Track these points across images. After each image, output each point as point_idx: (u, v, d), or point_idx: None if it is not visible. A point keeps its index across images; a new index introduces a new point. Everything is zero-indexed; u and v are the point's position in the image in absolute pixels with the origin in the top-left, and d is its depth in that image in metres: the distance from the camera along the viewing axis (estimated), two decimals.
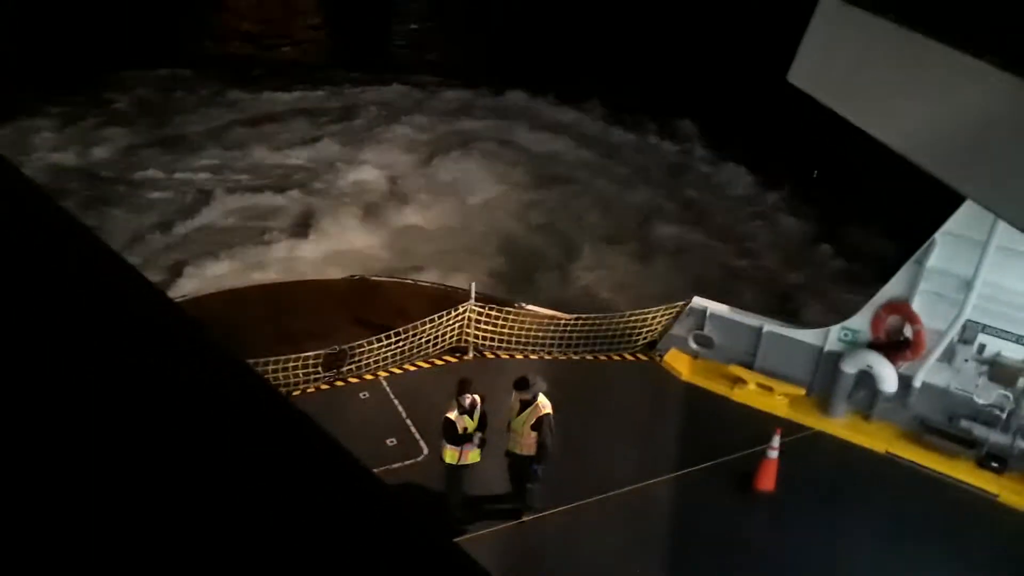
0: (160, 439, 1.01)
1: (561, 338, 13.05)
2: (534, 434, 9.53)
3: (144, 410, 1.05)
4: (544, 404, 9.54)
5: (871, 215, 22.19)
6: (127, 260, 1.39)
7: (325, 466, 1.03)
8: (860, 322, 11.89)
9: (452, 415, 9.41)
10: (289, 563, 0.89)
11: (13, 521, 0.90)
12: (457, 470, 9.72)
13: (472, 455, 9.62)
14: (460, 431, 9.43)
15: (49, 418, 1.02)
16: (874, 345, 11.75)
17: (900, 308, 11.55)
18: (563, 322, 13.09)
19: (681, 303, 13.13)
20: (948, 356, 11.42)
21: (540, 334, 13.05)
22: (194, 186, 23.40)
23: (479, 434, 9.51)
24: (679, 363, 12.92)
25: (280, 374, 11.54)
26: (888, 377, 11.51)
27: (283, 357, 11.50)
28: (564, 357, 13.03)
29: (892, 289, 11.60)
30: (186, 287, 17.24)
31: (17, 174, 1.55)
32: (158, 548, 0.90)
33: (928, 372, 11.54)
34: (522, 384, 9.55)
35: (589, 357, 13.07)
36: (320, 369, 11.92)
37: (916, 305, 11.42)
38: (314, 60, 33.25)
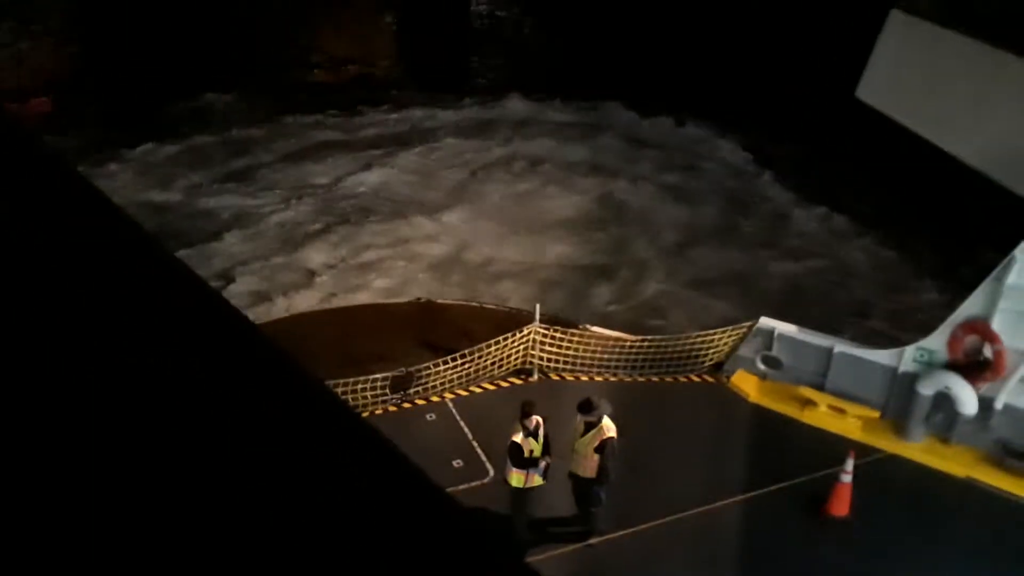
0: (240, 459, 1.07)
1: (627, 360, 12.97)
2: (597, 456, 9.49)
3: (223, 431, 1.11)
4: (608, 427, 9.49)
5: (947, 231, 21.61)
6: (206, 282, 1.47)
7: (399, 485, 1.06)
8: (936, 342, 11.52)
9: (518, 438, 9.43)
10: (353, 561, 0.93)
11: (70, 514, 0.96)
12: (523, 493, 9.72)
13: (537, 479, 9.62)
14: (527, 454, 9.44)
15: (101, 417, 1.08)
16: (952, 366, 11.37)
17: (979, 327, 11.16)
18: (628, 343, 13.01)
19: (748, 323, 12.93)
20: None
21: (605, 356, 13.00)
22: (269, 216, 23.97)
23: (546, 460, 9.52)
24: (746, 384, 12.71)
25: (348, 396, 11.73)
26: (968, 399, 11.11)
27: (351, 379, 11.69)
28: (630, 379, 12.94)
29: (970, 307, 11.23)
30: (267, 312, 17.68)
31: (93, 189, 1.63)
32: (241, 557, 0.94)
33: (1010, 393, 11.10)
34: (586, 407, 9.52)
35: (655, 379, 12.96)
36: (387, 391, 12.08)
37: (996, 324, 11.03)
38: (387, 81, 33.64)
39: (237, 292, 19.71)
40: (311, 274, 20.88)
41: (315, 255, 21.91)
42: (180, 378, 1.20)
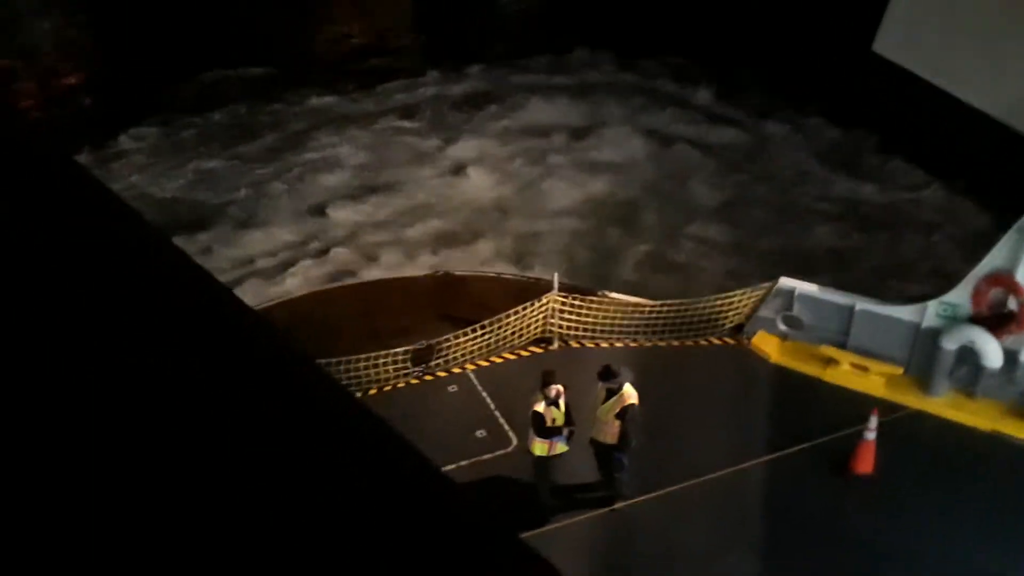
0: (228, 436, 1.08)
1: (646, 325, 12.95)
2: (618, 423, 9.52)
3: (214, 409, 1.12)
4: (630, 394, 9.52)
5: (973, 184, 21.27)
6: (203, 266, 1.48)
7: (390, 463, 1.08)
8: (960, 296, 11.41)
9: (540, 407, 9.49)
10: (350, 554, 0.94)
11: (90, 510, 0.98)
12: (547, 460, 9.80)
13: (560, 446, 9.68)
14: (549, 423, 9.50)
15: (109, 416, 1.10)
16: (976, 319, 11.27)
17: (1003, 280, 11.03)
18: (647, 308, 12.99)
19: (768, 284, 12.85)
20: None
21: (625, 321, 12.99)
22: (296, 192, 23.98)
23: (569, 428, 9.58)
24: (768, 345, 12.66)
25: (370, 371, 11.83)
26: (992, 352, 11.02)
27: (372, 354, 11.78)
28: (650, 344, 12.94)
29: (993, 260, 11.09)
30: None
31: (98, 184, 1.65)
32: (219, 540, 0.96)
33: None
34: (607, 374, 9.54)
35: (675, 343, 12.94)
36: (409, 364, 12.16)
37: (1020, 276, 10.89)
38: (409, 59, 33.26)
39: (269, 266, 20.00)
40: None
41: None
42: (179, 368, 1.22)
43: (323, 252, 20.94)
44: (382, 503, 1.03)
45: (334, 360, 11.43)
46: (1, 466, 1.04)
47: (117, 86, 29.17)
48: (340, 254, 20.78)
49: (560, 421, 9.55)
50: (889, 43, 13.25)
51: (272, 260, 20.77)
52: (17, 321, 1.27)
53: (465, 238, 21.36)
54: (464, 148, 25.64)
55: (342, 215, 22.71)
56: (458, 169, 24.63)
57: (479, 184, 23.85)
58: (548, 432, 9.53)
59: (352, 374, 11.69)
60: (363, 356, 11.70)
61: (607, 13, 30.77)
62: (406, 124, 27.44)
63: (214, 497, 1.02)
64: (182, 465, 1.06)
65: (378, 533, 0.99)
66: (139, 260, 1.45)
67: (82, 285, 1.38)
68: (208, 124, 27.68)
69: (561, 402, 9.58)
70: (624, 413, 9.48)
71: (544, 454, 9.69)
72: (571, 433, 9.64)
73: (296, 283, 18.62)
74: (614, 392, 9.54)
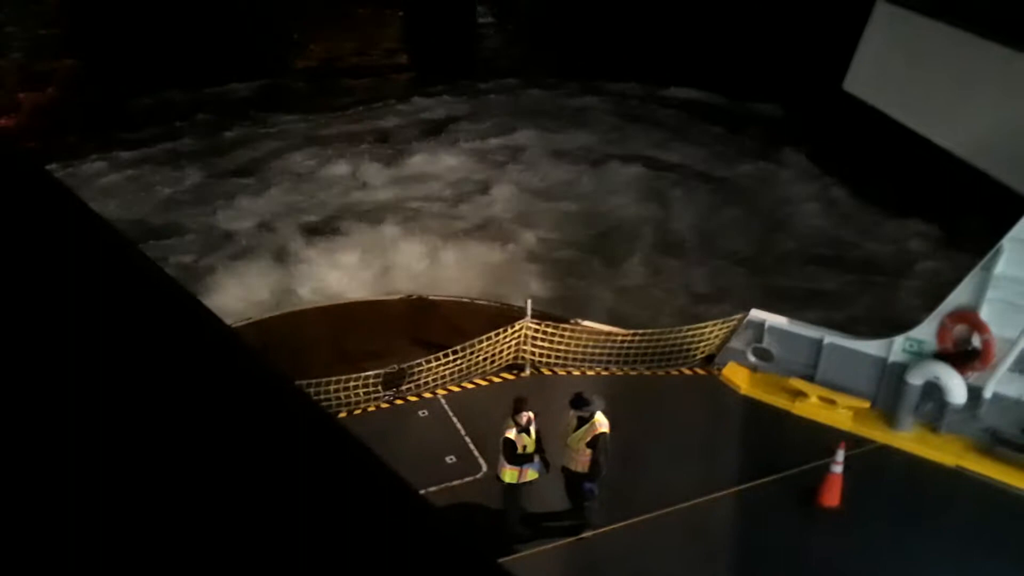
0: (204, 457, 1.07)
1: (618, 354, 13.00)
2: (589, 451, 9.51)
3: (187, 429, 1.11)
4: (601, 422, 9.52)
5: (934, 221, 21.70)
6: (181, 284, 1.48)
7: (369, 485, 1.07)
8: (925, 332, 11.59)
9: (511, 434, 9.45)
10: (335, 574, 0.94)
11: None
12: (516, 488, 9.75)
13: (530, 473, 9.65)
14: (520, 450, 9.47)
15: (89, 440, 1.09)
16: (941, 356, 11.44)
17: (967, 317, 11.22)
18: (620, 338, 13.05)
19: (738, 316, 12.97)
20: (1019, 366, 11.04)
21: (597, 350, 13.03)
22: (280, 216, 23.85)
23: (541, 455, 9.55)
24: (738, 377, 12.76)
25: (340, 394, 11.74)
26: (956, 388, 11.18)
27: (343, 377, 11.70)
28: (621, 373, 12.98)
29: (958, 297, 11.29)
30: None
31: (67, 193, 1.63)
32: (201, 564, 0.95)
33: (999, 382, 11.17)
34: (579, 402, 9.54)
35: (647, 372, 12.99)
36: (380, 388, 12.09)
37: (984, 314, 11.09)
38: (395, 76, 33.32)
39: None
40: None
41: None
42: (150, 384, 1.21)
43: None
44: (367, 523, 1.02)
45: (304, 382, 11.33)
46: None
47: (89, 102, 29.00)
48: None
49: (531, 448, 9.53)
50: (859, 82, 13.50)
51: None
52: None
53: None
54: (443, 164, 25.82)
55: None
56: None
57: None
58: (519, 459, 9.50)
59: (322, 397, 11.59)
60: (333, 379, 11.62)
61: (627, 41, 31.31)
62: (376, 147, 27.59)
63: (188, 515, 1.01)
64: (154, 480, 1.05)
65: (362, 554, 0.98)
66: (112, 270, 1.43)
67: (52, 294, 1.36)
68: (178, 143, 27.58)
69: (532, 429, 9.56)
70: (595, 442, 9.47)
71: (514, 481, 9.65)
72: (546, 463, 9.62)
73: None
74: (585, 420, 9.53)
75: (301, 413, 1.16)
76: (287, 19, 34.80)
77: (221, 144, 27.70)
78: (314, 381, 11.46)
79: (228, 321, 13.46)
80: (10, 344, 1.25)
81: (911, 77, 12.57)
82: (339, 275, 20.51)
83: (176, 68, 29.88)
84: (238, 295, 19.47)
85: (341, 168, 26.32)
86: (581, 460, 9.61)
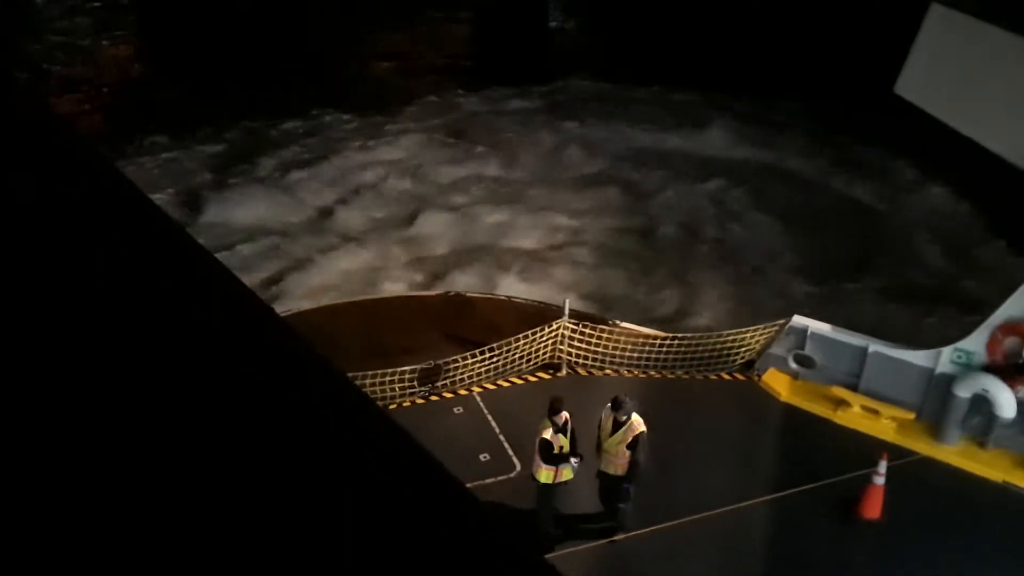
0: (253, 446, 1.04)
1: (656, 357, 12.86)
2: (628, 453, 9.43)
3: (244, 423, 1.07)
4: (638, 422, 9.43)
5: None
6: (233, 272, 1.44)
7: (419, 480, 1.03)
8: (975, 343, 11.29)
9: (548, 435, 9.37)
10: (376, 566, 0.89)
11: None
12: (551, 488, 9.68)
13: (566, 472, 9.57)
14: (556, 450, 9.40)
15: (135, 420, 1.06)
16: (990, 368, 11.14)
17: (1019, 329, 10.92)
18: (658, 340, 12.91)
19: (781, 322, 12.77)
20: None
21: (635, 352, 12.91)
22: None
23: (579, 457, 9.48)
24: (778, 383, 12.55)
25: (376, 388, 11.77)
26: (1006, 402, 10.88)
27: (379, 372, 11.72)
28: (659, 376, 12.84)
29: (1010, 309, 10.99)
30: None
31: (121, 176, 1.61)
32: (241, 550, 0.91)
33: None
34: (619, 404, 9.46)
35: (685, 376, 12.85)
36: (415, 384, 12.10)
37: None
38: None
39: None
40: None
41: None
42: (202, 369, 1.17)
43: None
44: (406, 503, 0.99)
45: None
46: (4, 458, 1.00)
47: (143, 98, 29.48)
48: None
49: (567, 448, 9.46)
50: (910, 85, 13.23)
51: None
52: (37, 313, 1.23)
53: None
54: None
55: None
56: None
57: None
58: (555, 459, 9.43)
59: None
60: (369, 373, 11.64)
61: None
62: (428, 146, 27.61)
63: (231, 501, 0.98)
64: (201, 467, 1.02)
65: (406, 547, 0.94)
66: (164, 257, 1.41)
67: (106, 278, 1.34)
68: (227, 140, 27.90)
69: (568, 429, 9.50)
70: (635, 442, 9.39)
71: (550, 481, 9.58)
72: (580, 456, 9.54)
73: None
74: (621, 424, 9.45)
75: (352, 405, 1.11)
76: (357, 21, 34.90)
77: (286, 138, 27.96)
78: (349, 375, 11.47)
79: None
80: (53, 331, 1.22)
81: (963, 81, 12.29)
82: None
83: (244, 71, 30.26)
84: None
85: (404, 158, 26.40)
86: (620, 463, 9.53)
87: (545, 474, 9.53)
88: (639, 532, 10.06)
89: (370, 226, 23.03)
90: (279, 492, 0.98)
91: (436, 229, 22.68)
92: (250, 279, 19.66)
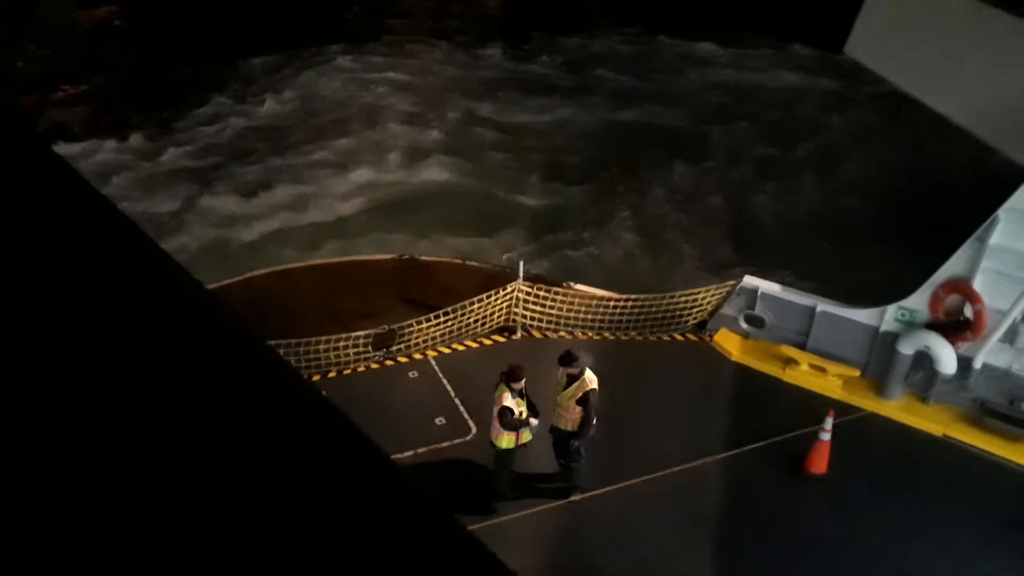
0: (170, 422, 1.01)
1: (610, 318, 12.97)
2: (579, 409, 9.50)
3: (154, 393, 1.05)
4: (591, 378, 9.50)
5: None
6: (157, 243, 1.40)
7: (336, 448, 1.01)
8: (918, 302, 11.58)
9: (508, 402, 9.36)
10: (291, 546, 0.88)
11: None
12: (511, 452, 9.72)
13: (526, 435, 9.62)
14: (517, 415, 9.41)
15: (59, 408, 1.03)
16: (932, 325, 11.44)
17: (960, 287, 11.21)
18: (612, 302, 13.01)
19: (732, 283, 12.94)
20: (1010, 336, 11.06)
21: (589, 314, 12.99)
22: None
23: (536, 419, 9.51)
24: (729, 343, 12.75)
25: (331, 353, 11.70)
26: (947, 358, 11.20)
27: (333, 336, 11.64)
28: (613, 337, 12.96)
29: (952, 267, 11.26)
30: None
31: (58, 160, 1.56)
32: (161, 539, 0.89)
33: (989, 353, 11.19)
34: (567, 359, 9.51)
35: (638, 337, 12.98)
36: (370, 348, 12.05)
37: (977, 284, 11.07)
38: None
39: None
40: None
41: None
42: (120, 343, 1.14)
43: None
44: (320, 489, 0.98)
45: (294, 341, 11.27)
46: None
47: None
48: None
49: (526, 413, 9.49)
50: (860, 46, 13.35)
51: None
52: None
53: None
54: None
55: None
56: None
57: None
58: (515, 424, 9.45)
59: (312, 356, 11.55)
60: (323, 338, 11.56)
61: None
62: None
63: (153, 476, 0.95)
64: (119, 446, 0.99)
65: (313, 518, 0.93)
66: (80, 225, 1.36)
67: (14, 250, 1.30)
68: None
69: (523, 393, 9.53)
70: (586, 398, 9.45)
71: (511, 446, 9.62)
72: (537, 413, 9.56)
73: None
74: (575, 378, 9.51)
75: (268, 373, 1.09)
76: None
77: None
78: (304, 340, 11.40)
79: (218, 278, 13.40)
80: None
81: (911, 42, 12.44)
82: None
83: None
84: None
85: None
86: (571, 418, 9.59)
87: (507, 440, 9.55)
88: (595, 492, 10.20)
89: None
90: (193, 470, 0.96)
91: None
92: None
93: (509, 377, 9.40)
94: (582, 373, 9.48)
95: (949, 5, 11.54)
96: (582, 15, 32.52)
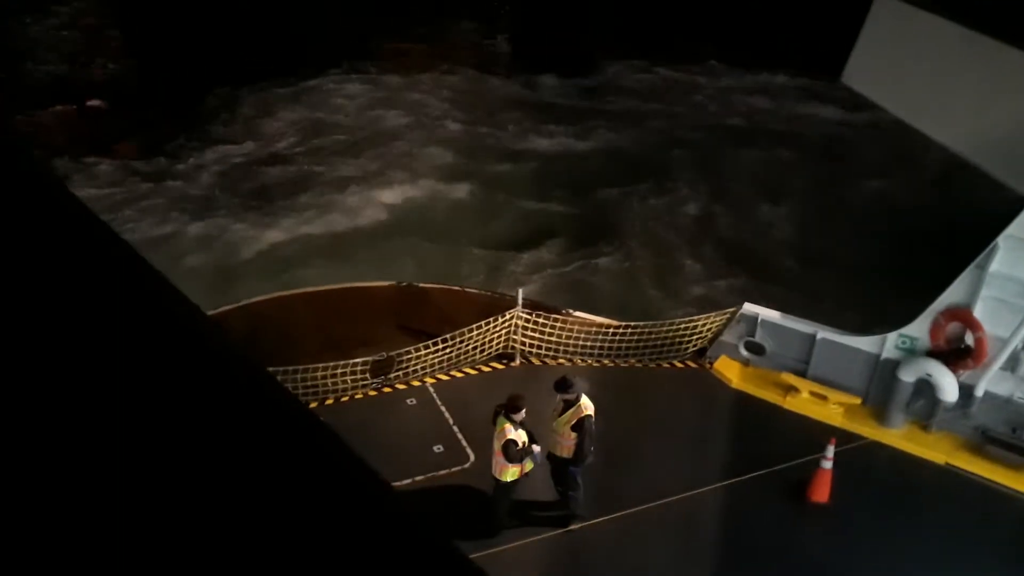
0: (168, 447, 0.99)
1: (609, 345, 12.92)
2: (574, 435, 9.43)
3: (152, 418, 1.02)
4: (586, 405, 9.44)
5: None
6: (154, 266, 1.37)
7: (336, 475, 0.99)
8: (918, 329, 11.54)
9: (511, 434, 9.26)
10: (292, 574, 0.85)
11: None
12: (514, 484, 9.61)
13: (528, 465, 9.52)
14: (520, 447, 9.31)
15: (56, 423, 1.00)
16: (933, 353, 11.40)
17: (960, 315, 11.18)
18: (611, 329, 12.97)
19: (731, 309, 12.91)
20: (1012, 364, 11.02)
21: (588, 341, 12.95)
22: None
23: (536, 447, 9.40)
24: (729, 371, 12.70)
25: (328, 380, 11.64)
26: (948, 386, 11.15)
27: (331, 364, 11.59)
28: (612, 364, 12.90)
29: (952, 295, 11.24)
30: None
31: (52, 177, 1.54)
32: (157, 550, 0.87)
33: (990, 381, 11.14)
34: (563, 385, 9.47)
35: (638, 364, 12.93)
36: (368, 375, 11.98)
37: (978, 311, 11.05)
38: None
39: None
40: None
41: None
42: (117, 370, 1.11)
43: None
44: (320, 515, 0.96)
45: (291, 368, 11.21)
46: None
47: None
48: None
49: (527, 442, 9.39)
50: (857, 75, 13.43)
51: None
52: None
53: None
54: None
55: None
56: None
57: None
58: (519, 456, 9.35)
59: (310, 383, 11.48)
60: (321, 365, 11.50)
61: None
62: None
63: (145, 502, 0.93)
64: (112, 471, 0.96)
65: (313, 545, 0.91)
66: (79, 250, 1.34)
67: (15, 274, 1.27)
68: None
69: (525, 423, 9.45)
70: (581, 424, 9.38)
71: (516, 478, 9.51)
72: (535, 441, 9.44)
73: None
74: (571, 404, 9.45)
75: (269, 400, 1.06)
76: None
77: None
78: (301, 368, 11.34)
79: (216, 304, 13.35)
80: None
81: (908, 71, 12.51)
82: None
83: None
84: None
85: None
86: (567, 445, 9.53)
87: (512, 472, 9.43)
88: (594, 521, 10.10)
89: None
90: (193, 495, 0.94)
91: None
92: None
93: (509, 409, 9.30)
94: (578, 399, 9.43)
95: (945, 34, 11.62)
96: (587, 47, 32.80)
